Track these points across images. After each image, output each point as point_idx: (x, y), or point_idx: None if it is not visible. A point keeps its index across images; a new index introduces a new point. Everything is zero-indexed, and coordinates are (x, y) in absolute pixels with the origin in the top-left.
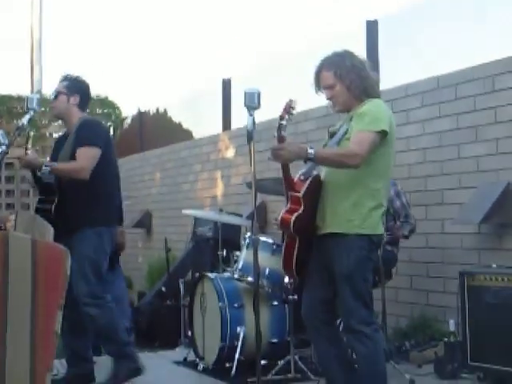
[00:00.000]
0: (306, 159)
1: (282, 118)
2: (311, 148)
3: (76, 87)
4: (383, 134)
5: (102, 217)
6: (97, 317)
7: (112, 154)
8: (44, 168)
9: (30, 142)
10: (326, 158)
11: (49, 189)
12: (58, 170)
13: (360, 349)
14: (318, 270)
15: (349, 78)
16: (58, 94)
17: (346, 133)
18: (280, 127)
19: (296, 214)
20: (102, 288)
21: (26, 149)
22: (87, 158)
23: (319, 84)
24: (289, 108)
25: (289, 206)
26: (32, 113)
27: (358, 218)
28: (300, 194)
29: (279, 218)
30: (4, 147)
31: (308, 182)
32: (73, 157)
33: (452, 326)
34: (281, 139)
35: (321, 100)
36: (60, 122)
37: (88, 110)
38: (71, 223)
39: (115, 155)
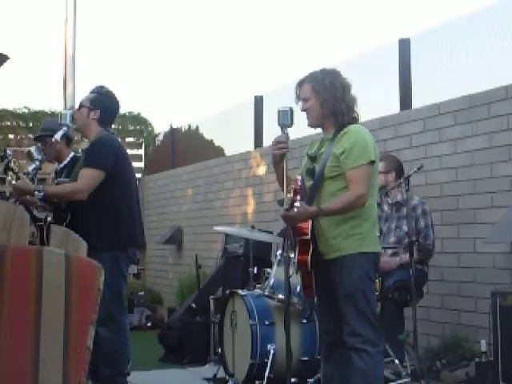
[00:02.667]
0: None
1: (294, 200)
2: (321, 209)
3: (99, 102)
4: (373, 163)
5: (118, 240)
6: (106, 339)
7: (129, 176)
8: (37, 193)
9: (16, 170)
10: (337, 211)
11: (58, 209)
12: (52, 193)
13: (359, 365)
14: (325, 294)
15: (323, 96)
16: (80, 106)
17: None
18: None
19: (310, 254)
20: (122, 313)
21: (17, 177)
22: (86, 179)
23: (299, 92)
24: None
25: (298, 248)
26: (65, 129)
27: (358, 237)
28: (308, 237)
29: (295, 262)
30: (37, 162)
31: (310, 222)
32: None
33: (483, 345)
34: (289, 209)
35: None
36: None
37: (120, 127)
38: (87, 245)
39: (133, 176)
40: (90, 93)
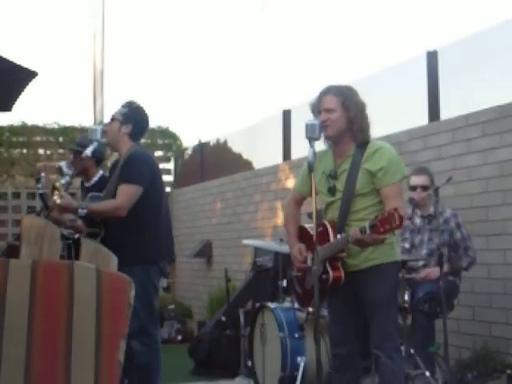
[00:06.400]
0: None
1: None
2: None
3: (131, 116)
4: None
5: (148, 254)
6: (140, 353)
7: (159, 190)
8: (80, 211)
9: (61, 190)
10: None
11: (93, 223)
12: (95, 211)
13: (383, 370)
14: (343, 304)
15: (353, 111)
16: (112, 120)
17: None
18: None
19: (342, 269)
20: (154, 326)
21: (59, 194)
22: (126, 196)
23: (319, 106)
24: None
25: (329, 263)
26: (95, 144)
27: (390, 246)
28: (344, 254)
29: (331, 279)
30: (68, 178)
31: None
32: (116, 190)
33: None
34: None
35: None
36: None
37: (149, 141)
38: (118, 259)
39: (163, 190)
40: (122, 107)
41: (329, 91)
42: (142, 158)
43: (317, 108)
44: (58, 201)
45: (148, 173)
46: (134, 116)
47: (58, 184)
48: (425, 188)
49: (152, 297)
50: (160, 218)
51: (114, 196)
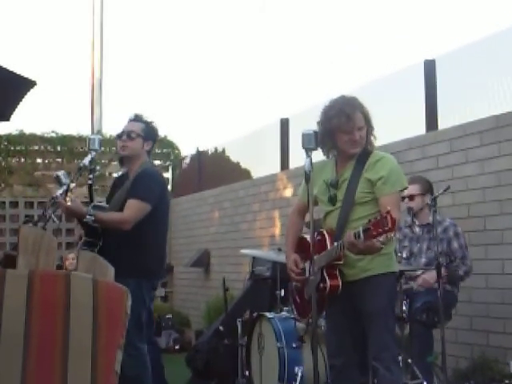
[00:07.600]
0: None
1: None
2: (382, 243)
3: (152, 134)
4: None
5: (144, 269)
6: (127, 365)
7: (164, 209)
8: (88, 217)
9: (71, 192)
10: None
11: (94, 232)
12: (102, 220)
13: (382, 382)
14: (340, 315)
15: (371, 123)
16: (135, 135)
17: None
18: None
19: (339, 278)
20: (140, 340)
21: (68, 198)
22: (134, 211)
23: (350, 125)
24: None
25: (326, 272)
26: (93, 153)
27: (387, 257)
28: (342, 262)
29: (328, 287)
30: (65, 187)
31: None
32: (124, 203)
33: None
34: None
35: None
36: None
37: None
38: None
39: (168, 209)
40: (137, 121)
41: (355, 108)
42: (153, 176)
43: (346, 127)
44: (69, 203)
45: (158, 192)
46: (153, 133)
47: (71, 186)
48: (411, 198)
49: (141, 311)
50: (163, 235)
51: (119, 209)
